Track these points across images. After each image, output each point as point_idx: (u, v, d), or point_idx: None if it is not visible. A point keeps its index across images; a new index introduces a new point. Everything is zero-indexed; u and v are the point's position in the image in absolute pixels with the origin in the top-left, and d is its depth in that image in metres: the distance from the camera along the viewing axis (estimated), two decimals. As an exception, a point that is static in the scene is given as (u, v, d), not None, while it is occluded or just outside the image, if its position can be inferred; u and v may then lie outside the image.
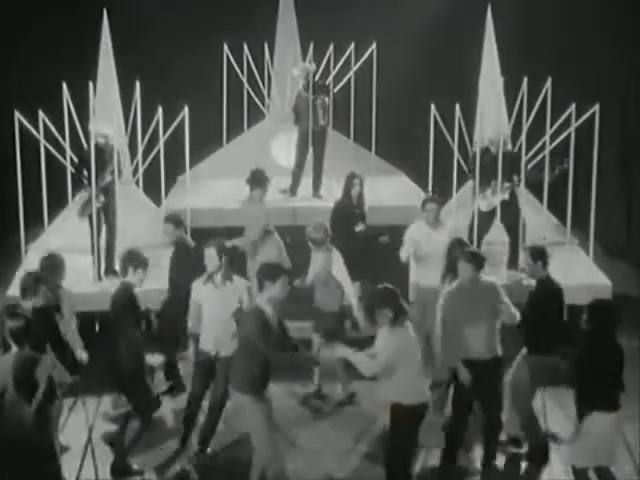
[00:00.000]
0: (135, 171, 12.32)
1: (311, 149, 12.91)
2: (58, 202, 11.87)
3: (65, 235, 11.55)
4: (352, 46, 14.03)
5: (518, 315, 8.29)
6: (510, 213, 11.02)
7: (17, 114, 10.98)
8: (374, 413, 9.24)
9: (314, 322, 9.68)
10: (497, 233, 11.22)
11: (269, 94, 14.34)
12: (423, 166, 11.73)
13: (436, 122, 11.42)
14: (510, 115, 12.02)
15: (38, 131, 11.15)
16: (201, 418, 8.83)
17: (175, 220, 9.87)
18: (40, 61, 13.47)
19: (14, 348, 7.21)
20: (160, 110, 11.42)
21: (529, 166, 11.68)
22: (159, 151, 11.65)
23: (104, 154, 10.83)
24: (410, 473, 7.85)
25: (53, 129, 11.29)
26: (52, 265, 8.73)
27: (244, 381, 7.64)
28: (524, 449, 8.74)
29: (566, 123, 11.61)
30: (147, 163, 11.91)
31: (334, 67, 14.19)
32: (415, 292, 10.05)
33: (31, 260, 11.17)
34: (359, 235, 10.80)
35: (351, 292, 9.65)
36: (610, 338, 7.47)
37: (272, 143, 13.90)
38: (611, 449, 7.58)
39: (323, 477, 8.37)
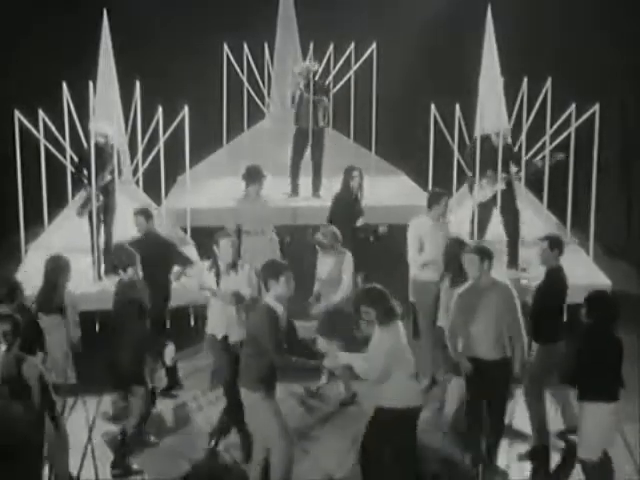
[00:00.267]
0: (135, 171, 12.32)
1: (310, 149, 12.92)
2: (58, 202, 11.87)
3: (65, 235, 11.55)
4: (352, 46, 14.04)
5: (524, 331, 8.20)
6: (508, 207, 11.01)
7: (17, 114, 10.98)
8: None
9: (319, 323, 9.63)
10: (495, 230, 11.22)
11: (269, 94, 14.36)
12: (423, 166, 11.73)
13: (436, 122, 11.43)
14: (510, 115, 12.03)
15: (38, 130, 11.15)
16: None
17: (145, 213, 9.84)
18: (40, 61, 13.47)
19: (2, 349, 7.20)
20: (160, 110, 11.42)
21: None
22: (159, 151, 11.65)
23: (104, 153, 10.83)
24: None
25: (53, 129, 11.29)
26: (57, 267, 8.72)
27: (254, 379, 7.62)
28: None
29: (566, 123, 11.61)
30: (147, 163, 11.92)
31: (334, 67, 14.20)
32: (418, 287, 10.01)
33: (31, 260, 11.20)
34: (360, 229, 10.75)
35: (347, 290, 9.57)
36: (609, 330, 7.56)
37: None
38: (613, 436, 7.78)
39: (323, 477, 8.36)
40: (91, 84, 11.23)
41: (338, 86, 14.19)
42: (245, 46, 14.31)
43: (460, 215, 11.47)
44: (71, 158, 11.32)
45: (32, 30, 13.92)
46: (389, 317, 7.44)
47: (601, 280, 10.91)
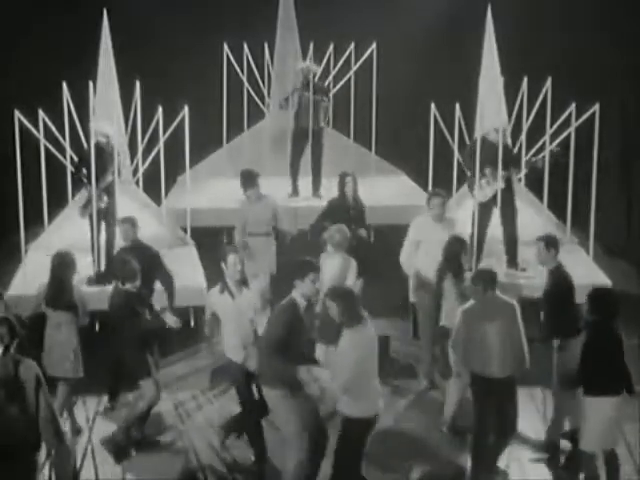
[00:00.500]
0: (135, 171, 12.31)
1: (310, 150, 12.92)
2: (58, 202, 11.86)
3: (65, 235, 11.54)
4: (352, 46, 14.04)
5: (527, 360, 8.16)
6: (505, 209, 11.00)
7: (17, 114, 10.97)
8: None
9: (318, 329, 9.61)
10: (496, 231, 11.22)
11: (269, 94, 14.35)
12: (423, 166, 11.73)
13: (436, 122, 11.42)
14: (510, 115, 12.02)
15: (38, 130, 11.14)
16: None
17: (132, 221, 9.81)
18: (40, 61, 13.47)
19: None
20: (160, 110, 11.42)
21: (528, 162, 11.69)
22: (159, 151, 11.65)
23: (105, 153, 10.82)
24: None
25: (53, 128, 11.29)
26: (63, 263, 8.76)
27: (272, 376, 7.62)
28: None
29: (566, 123, 11.61)
30: (147, 163, 11.91)
31: (334, 67, 14.20)
32: (420, 286, 10.00)
33: (31, 260, 11.20)
34: (362, 240, 10.68)
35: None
36: (611, 326, 7.66)
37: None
38: (616, 432, 7.80)
39: (323, 477, 8.35)
40: (91, 84, 11.22)
41: (338, 86, 14.19)
42: (245, 46, 14.31)
43: (460, 215, 11.45)
44: (71, 158, 11.32)
45: (32, 30, 13.92)
46: (352, 319, 7.40)
47: (601, 280, 10.90)
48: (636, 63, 13.40)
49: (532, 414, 9.29)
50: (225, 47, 14.19)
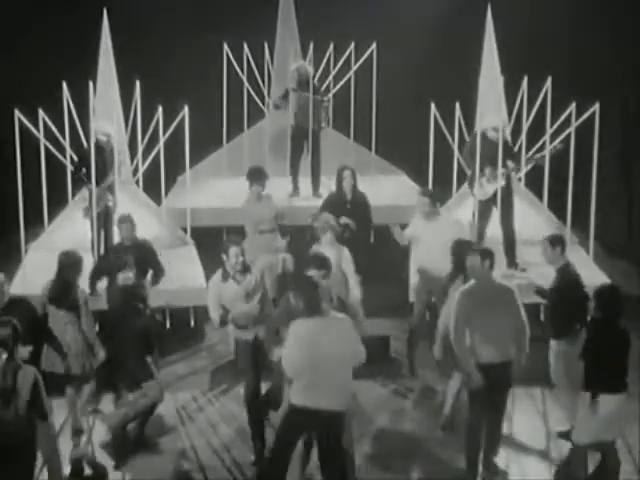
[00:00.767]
0: (135, 171, 12.31)
1: (310, 150, 12.92)
2: (58, 202, 11.87)
3: (65, 235, 11.55)
4: (352, 46, 14.04)
5: (527, 330, 8.15)
6: (505, 205, 10.99)
7: (17, 113, 10.98)
8: (373, 413, 9.26)
9: None
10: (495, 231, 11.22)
11: (269, 94, 14.35)
12: (423, 166, 11.73)
13: (436, 122, 11.42)
14: (510, 115, 12.02)
15: (38, 130, 11.15)
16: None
17: (130, 220, 9.83)
18: (40, 61, 13.46)
19: (3, 356, 7.19)
20: (160, 110, 11.42)
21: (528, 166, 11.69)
22: (159, 151, 11.65)
23: (105, 153, 10.83)
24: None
25: (53, 128, 11.29)
26: (71, 263, 8.77)
27: None
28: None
29: (566, 123, 11.60)
30: (147, 163, 11.91)
31: (334, 67, 14.20)
32: (420, 282, 10.07)
33: (31, 260, 11.21)
34: (345, 229, 10.67)
35: (356, 289, 9.55)
36: (617, 323, 7.68)
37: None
38: (614, 428, 7.79)
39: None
40: (91, 84, 11.23)
41: (338, 86, 14.18)
42: (245, 46, 14.31)
43: (460, 215, 11.46)
44: (71, 158, 11.32)
45: (32, 30, 13.92)
46: (311, 308, 7.35)
47: (601, 280, 10.88)
48: (636, 63, 13.39)
49: (532, 414, 9.30)
50: (225, 47, 14.19)
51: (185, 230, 11.97)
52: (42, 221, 11.67)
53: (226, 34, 14.07)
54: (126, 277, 8.75)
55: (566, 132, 11.54)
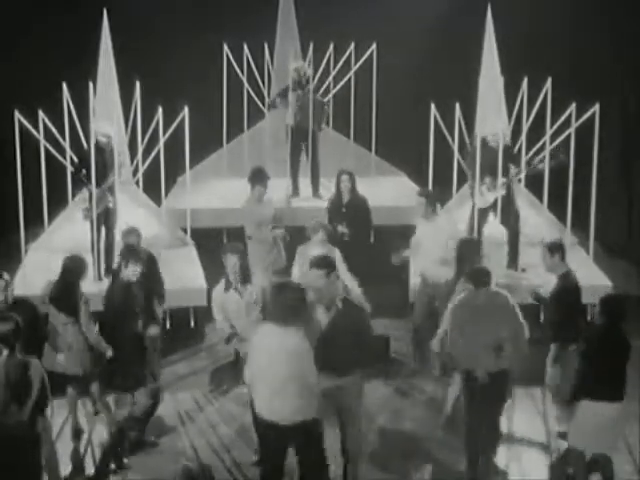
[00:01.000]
0: (135, 171, 12.31)
1: (310, 150, 12.92)
2: (58, 202, 11.87)
3: (65, 235, 11.56)
4: (352, 46, 14.04)
5: (526, 331, 8.10)
6: (508, 211, 11.02)
7: (17, 114, 10.98)
8: (373, 413, 9.26)
9: None
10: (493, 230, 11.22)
11: (269, 94, 14.34)
12: (423, 166, 11.73)
13: (436, 122, 11.42)
14: (510, 115, 12.02)
15: (38, 131, 11.15)
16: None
17: (137, 232, 9.79)
18: (40, 61, 13.46)
19: (4, 352, 7.20)
20: (160, 110, 11.42)
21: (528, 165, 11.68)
22: (159, 151, 11.65)
23: (105, 153, 10.83)
24: None
25: (53, 129, 11.29)
26: (76, 267, 8.78)
27: (344, 363, 7.55)
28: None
29: (566, 123, 11.60)
30: (147, 163, 11.91)
31: (334, 67, 14.19)
32: (421, 285, 10.11)
33: (31, 260, 11.21)
34: (343, 236, 10.73)
35: (355, 286, 9.54)
36: (616, 329, 7.61)
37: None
38: (610, 437, 7.72)
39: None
40: (91, 84, 11.23)
41: (338, 86, 14.18)
42: (245, 46, 14.31)
43: (460, 216, 11.46)
44: (71, 159, 11.32)
45: (32, 30, 13.92)
46: (270, 314, 7.28)
47: (601, 280, 10.91)
48: (636, 63, 13.39)
49: (532, 414, 9.30)
50: (225, 47, 14.19)
51: (185, 231, 11.98)
52: (42, 221, 11.67)
53: (226, 34, 14.07)
54: (133, 271, 8.72)
55: (566, 132, 11.54)
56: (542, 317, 10.19)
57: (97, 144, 10.74)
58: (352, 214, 10.88)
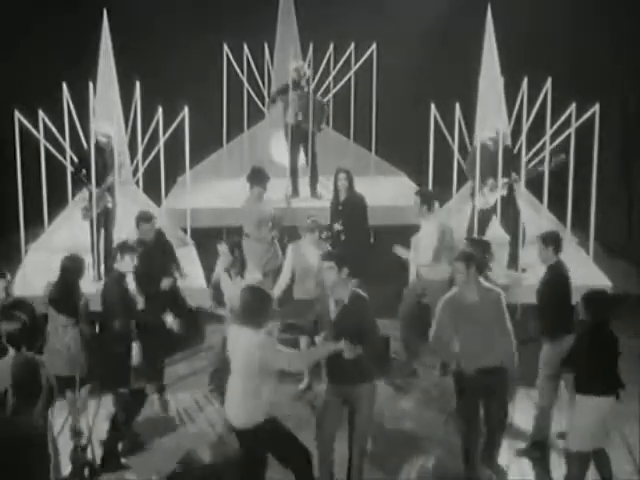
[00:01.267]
0: (135, 171, 12.32)
1: (309, 150, 12.93)
2: (58, 202, 11.88)
3: (65, 235, 11.56)
4: (352, 46, 14.04)
5: (513, 339, 8.08)
6: (509, 211, 11.02)
7: (17, 114, 10.98)
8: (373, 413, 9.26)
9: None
10: (495, 231, 11.22)
11: (269, 94, 14.34)
12: (423, 166, 11.73)
13: (436, 122, 11.42)
14: (510, 115, 12.02)
15: (38, 131, 11.15)
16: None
17: (147, 217, 9.87)
18: (40, 61, 13.46)
19: (11, 351, 7.20)
20: (160, 110, 11.42)
21: (529, 166, 11.67)
22: (159, 151, 11.65)
23: (105, 154, 10.83)
24: None
25: (53, 129, 11.29)
26: (74, 267, 8.79)
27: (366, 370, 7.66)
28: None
29: (566, 123, 11.60)
30: (147, 163, 11.91)
31: (334, 67, 14.20)
32: (412, 282, 10.17)
33: (31, 260, 11.20)
34: (339, 235, 10.75)
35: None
36: (605, 327, 7.61)
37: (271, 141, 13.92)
38: (606, 430, 7.72)
39: (322, 476, 8.34)
40: (91, 84, 11.23)
41: (338, 86, 14.19)
42: (245, 46, 14.31)
43: (460, 216, 11.46)
44: (71, 159, 11.32)
45: (32, 30, 13.92)
46: (251, 319, 7.25)
47: (601, 280, 10.90)
48: (636, 63, 13.39)
49: (532, 414, 9.29)
50: (225, 47, 14.19)
51: (185, 231, 11.97)
52: (42, 222, 11.67)
53: (226, 34, 14.07)
54: (128, 264, 8.78)
55: (566, 132, 11.54)
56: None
57: (97, 144, 10.75)
58: (349, 212, 10.90)
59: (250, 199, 10.86)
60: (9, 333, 7.17)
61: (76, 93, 11.55)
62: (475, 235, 10.80)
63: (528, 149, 11.73)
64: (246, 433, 7.24)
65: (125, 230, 10.95)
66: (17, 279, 10.80)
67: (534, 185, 12.17)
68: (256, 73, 14.42)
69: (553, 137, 11.59)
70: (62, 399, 8.71)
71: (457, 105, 11.26)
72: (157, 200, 12.20)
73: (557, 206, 11.98)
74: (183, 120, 11.39)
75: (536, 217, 11.83)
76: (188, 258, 11.53)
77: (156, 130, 11.56)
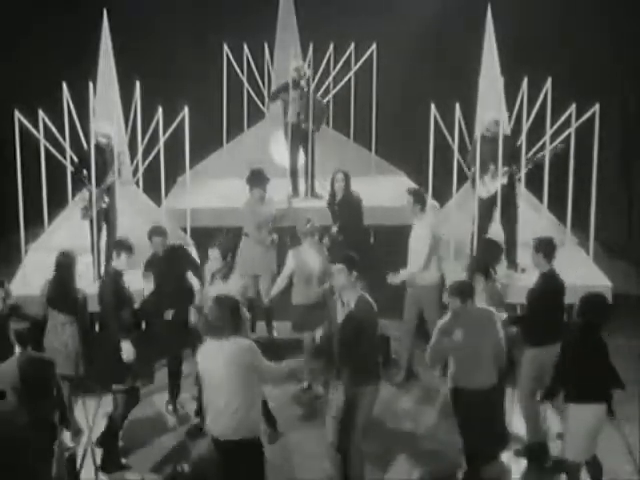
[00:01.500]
0: (135, 171, 12.31)
1: (309, 150, 12.93)
2: (58, 202, 11.87)
3: (65, 235, 11.54)
4: (352, 46, 14.04)
5: (504, 361, 8.08)
6: (507, 209, 11.00)
7: (17, 114, 10.98)
8: (373, 413, 9.26)
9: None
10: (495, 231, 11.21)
11: (269, 94, 14.33)
12: (423, 166, 11.72)
13: (436, 122, 11.42)
14: (510, 115, 12.01)
15: (38, 131, 11.15)
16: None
17: (158, 231, 9.82)
18: (40, 61, 13.46)
19: (17, 349, 7.23)
20: (160, 110, 11.42)
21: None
22: (159, 151, 11.65)
23: (105, 154, 10.83)
24: None
25: (53, 128, 11.29)
26: (68, 263, 8.81)
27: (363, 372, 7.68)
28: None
29: (566, 123, 11.60)
30: (147, 163, 11.91)
31: (334, 67, 14.19)
32: (408, 286, 10.18)
33: (31, 260, 11.20)
34: (337, 236, 10.77)
35: None
36: (596, 333, 7.50)
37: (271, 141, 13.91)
38: (597, 439, 7.63)
39: (321, 477, 8.36)
40: (91, 84, 11.22)
41: (338, 86, 14.18)
42: (245, 46, 14.31)
43: (460, 216, 11.45)
44: (71, 159, 11.31)
45: (32, 30, 13.92)
46: (214, 328, 7.24)
47: (601, 280, 10.89)
48: (636, 63, 13.39)
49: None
50: (225, 47, 14.19)
51: (185, 230, 11.97)
52: (42, 222, 11.67)
53: (226, 34, 14.06)
54: (124, 262, 8.81)
55: (566, 133, 11.53)
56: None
57: (97, 144, 10.74)
58: (345, 212, 10.91)
59: (250, 201, 10.86)
60: (19, 332, 7.20)
61: (76, 93, 11.54)
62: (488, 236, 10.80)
63: (528, 149, 11.73)
64: (242, 444, 7.11)
65: (125, 230, 10.97)
66: (17, 279, 10.82)
67: (534, 185, 12.17)
68: (256, 73, 14.41)
69: (553, 137, 11.59)
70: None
71: (457, 105, 11.26)
72: (157, 200, 12.20)
73: (557, 206, 11.97)
74: (183, 120, 11.39)
75: (536, 217, 11.82)
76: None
77: (156, 130, 11.55)
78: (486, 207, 11.04)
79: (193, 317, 9.30)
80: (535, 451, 8.59)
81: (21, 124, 11.02)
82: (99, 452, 8.63)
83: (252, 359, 7.08)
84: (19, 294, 9.28)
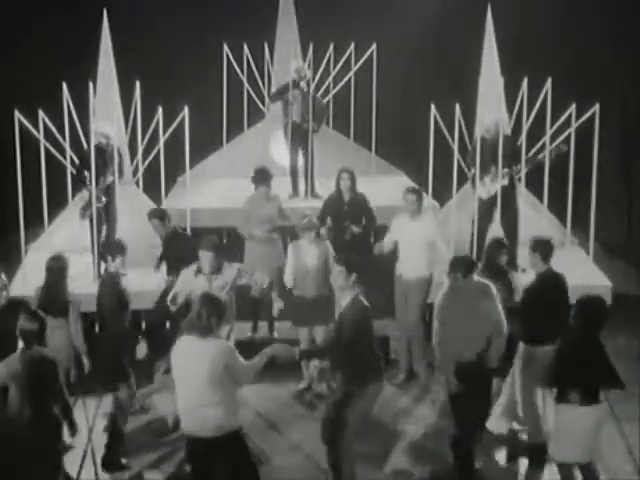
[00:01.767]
0: (135, 171, 12.31)
1: (309, 150, 12.93)
2: (58, 202, 11.87)
3: (65, 235, 11.56)
4: (352, 46, 14.04)
5: (505, 328, 8.06)
6: (507, 210, 11.01)
7: (17, 114, 10.98)
8: (373, 413, 9.26)
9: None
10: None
11: (269, 94, 14.34)
12: (423, 166, 11.73)
13: (436, 122, 11.42)
14: (510, 115, 12.02)
15: (38, 131, 11.15)
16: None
17: (159, 214, 9.87)
18: (40, 61, 13.47)
19: (20, 346, 7.24)
20: (160, 110, 11.42)
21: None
22: (159, 151, 11.65)
23: (105, 154, 10.83)
24: None
25: (53, 129, 11.29)
26: (59, 267, 8.80)
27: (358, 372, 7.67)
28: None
29: (566, 123, 11.60)
30: (147, 163, 11.91)
31: (334, 67, 14.20)
32: (397, 284, 10.16)
33: (31, 260, 11.20)
34: (354, 237, 10.77)
35: None
36: (591, 334, 7.42)
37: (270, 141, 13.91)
38: (591, 445, 7.52)
39: (321, 476, 8.36)
40: (91, 84, 11.23)
41: (338, 86, 14.19)
42: (245, 46, 14.31)
43: (460, 216, 11.45)
44: (71, 159, 11.32)
45: (32, 30, 13.92)
46: (191, 325, 7.18)
47: (601, 281, 10.90)
48: (636, 63, 13.40)
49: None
50: (225, 47, 14.19)
51: (185, 230, 11.96)
52: (42, 222, 11.67)
53: (226, 34, 14.07)
54: (120, 264, 8.81)
55: (566, 133, 11.54)
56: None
57: (97, 145, 10.74)
58: (355, 212, 10.88)
59: (256, 199, 10.81)
60: (26, 331, 7.21)
61: (76, 93, 11.54)
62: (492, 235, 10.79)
63: (528, 149, 11.73)
64: (216, 441, 7.09)
65: (125, 229, 10.98)
66: (17, 279, 10.82)
67: (534, 185, 12.18)
68: (256, 73, 14.42)
69: (553, 137, 11.59)
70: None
71: (457, 105, 11.26)
72: (157, 200, 12.20)
73: (557, 206, 11.98)
74: (183, 120, 11.39)
75: (536, 217, 11.83)
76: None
77: (156, 130, 11.56)
78: (486, 208, 11.04)
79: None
80: (535, 451, 8.58)
81: (21, 124, 11.02)
82: (99, 452, 8.63)
83: (227, 360, 7.06)
84: (19, 294, 9.27)
